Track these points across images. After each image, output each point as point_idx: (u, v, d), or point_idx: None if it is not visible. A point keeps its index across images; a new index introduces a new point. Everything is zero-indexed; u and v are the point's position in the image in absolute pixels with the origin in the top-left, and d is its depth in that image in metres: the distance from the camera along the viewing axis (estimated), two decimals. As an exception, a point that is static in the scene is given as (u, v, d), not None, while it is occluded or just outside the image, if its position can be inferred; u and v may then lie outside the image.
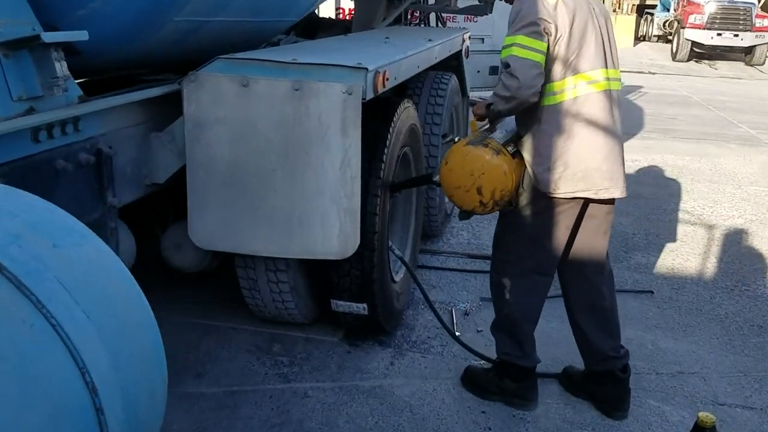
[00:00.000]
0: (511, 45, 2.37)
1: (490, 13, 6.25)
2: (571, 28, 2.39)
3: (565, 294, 2.78)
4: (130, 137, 2.48)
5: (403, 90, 4.33)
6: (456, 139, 2.68)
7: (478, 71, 9.65)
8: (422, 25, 6.45)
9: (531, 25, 2.35)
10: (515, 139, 2.60)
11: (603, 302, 2.68)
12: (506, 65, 2.38)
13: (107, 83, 2.89)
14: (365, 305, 2.90)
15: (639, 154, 7.25)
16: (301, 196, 2.48)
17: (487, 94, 10.06)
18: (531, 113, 2.48)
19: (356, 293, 2.88)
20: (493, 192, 2.46)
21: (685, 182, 6.19)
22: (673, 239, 4.75)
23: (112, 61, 2.62)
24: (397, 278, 3.26)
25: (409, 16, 6.54)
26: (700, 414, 2.16)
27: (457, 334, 3.24)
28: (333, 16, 10.30)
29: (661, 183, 6.17)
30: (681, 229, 4.94)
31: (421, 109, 4.21)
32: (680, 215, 5.27)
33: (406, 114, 3.16)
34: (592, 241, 2.65)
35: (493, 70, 9.55)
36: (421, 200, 3.71)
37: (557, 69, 2.41)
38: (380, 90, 2.55)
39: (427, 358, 3.04)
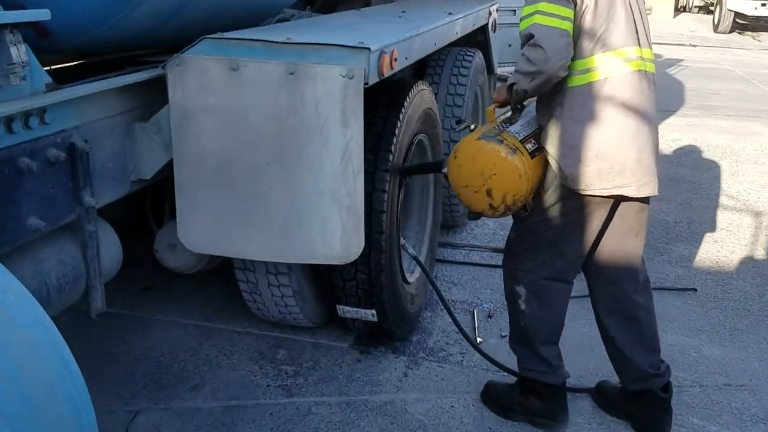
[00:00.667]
0: (533, 13, 2.04)
1: (520, -18, 5.85)
2: None
3: (593, 302, 2.46)
4: (110, 129, 2.22)
5: (423, 69, 4.03)
6: (472, 127, 2.36)
7: (510, 45, 9.21)
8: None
9: None
10: (537, 134, 2.25)
11: (638, 313, 2.35)
12: (528, 37, 2.06)
13: (105, 66, 2.67)
14: (374, 311, 2.64)
15: (680, 133, 6.81)
16: (298, 194, 2.21)
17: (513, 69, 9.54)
18: (553, 97, 2.15)
19: (364, 299, 2.61)
20: (505, 196, 2.14)
21: (729, 164, 5.76)
22: (718, 228, 4.37)
23: (90, 44, 2.37)
24: (411, 279, 2.98)
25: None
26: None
27: (479, 340, 2.97)
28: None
29: (704, 165, 5.75)
30: (726, 217, 4.56)
31: (441, 89, 3.90)
32: (725, 201, 4.87)
33: (420, 98, 2.85)
34: (624, 243, 2.31)
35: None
36: (439, 191, 3.41)
37: (585, 44, 2.08)
38: (386, 72, 2.26)
39: (444, 369, 2.77)
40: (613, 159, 2.10)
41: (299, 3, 4.06)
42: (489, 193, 2.16)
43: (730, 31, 16.40)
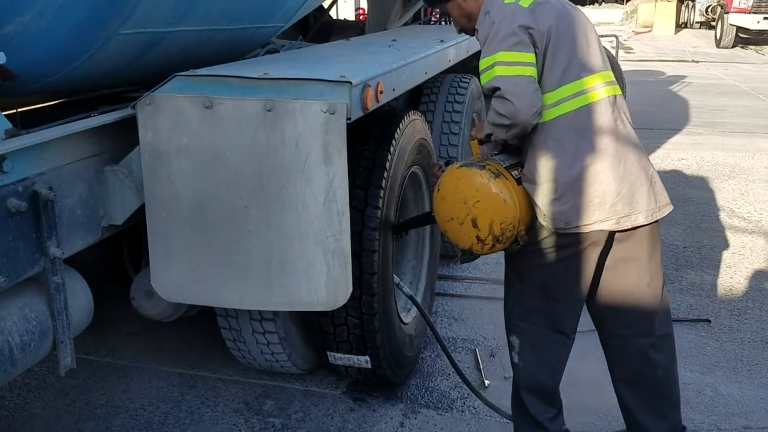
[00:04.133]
0: (493, 65, 1.92)
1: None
2: (556, 30, 1.97)
3: (609, 367, 2.27)
4: (78, 174, 2.09)
5: (418, 97, 3.91)
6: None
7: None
8: (442, 23, 5.98)
9: (510, 36, 1.92)
10: (522, 163, 2.10)
11: (654, 372, 2.13)
12: (493, 90, 1.93)
13: (84, 104, 2.55)
14: (368, 358, 2.48)
15: (686, 152, 6.65)
16: (280, 237, 2.06)
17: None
18: (523, 135, 2.01)
19: (356, 344, 2.45)
20: (491, 224, 1.96)
21: (738, 183, 5.59)
22: (730, 252, 4.19)
23: (60, 84, 2.24)
24: (407, 319, 2.82)
25: (429, 14, 6.09)
26: None
27: (486, 383, 2.79)
28: (353, 18, 9.89)
29: (712, 184, 5.58)
30: (737, 240, 4.38)
31: (437, 117, 3.78)
32: (735, 222, 4.70)
33: (412, 128, 2.72)
34: (634, 291, 2.09)
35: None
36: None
37: (549, 79, 1.97)
38: (371, 105, 2.12)
39: (444, 417, 2.60)
40: (588, 192, 1.94)
41: (291, 33, 3.95)
42: (474, 223, 1.99)
43: (733, 46, 16.33)
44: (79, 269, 2.20)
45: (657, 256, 2.13)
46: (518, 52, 1.91)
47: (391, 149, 2.49)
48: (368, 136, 2.50)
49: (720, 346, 3.09)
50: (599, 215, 1.95)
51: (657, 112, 8.93)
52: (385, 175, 2.44)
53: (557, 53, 1.97)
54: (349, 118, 1.96)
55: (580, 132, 1.97)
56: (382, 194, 2.42)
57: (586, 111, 1.97)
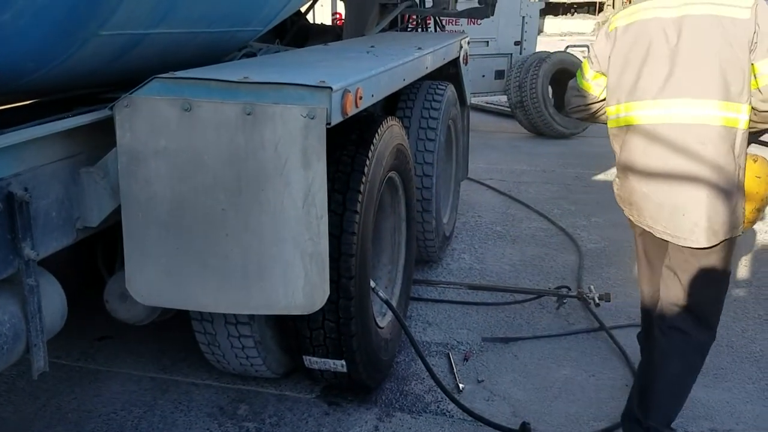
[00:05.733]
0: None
1: (492, 15, 5.82)
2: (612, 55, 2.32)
3: None
4: (53, 175, 2.06)
5: (395, 103, 3.94)
6: None
7: (483, 76, 9.25)
8: (419, 30, 6.03)
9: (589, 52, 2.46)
10: None
11: (654, 354, 2.32)
12: None
13: (62, 104, 2.52)
14: (343, 362, 2.48)
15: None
16: (257, 241, 2.06)
17: (493, 98, 9.68)
18: None
19: (332, 348, 2.46)
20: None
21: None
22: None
23: (39, 84, 2.22)
24: (383, 323, 2.84)
25: (406, 21, 6.13)
26: None
27: (460, 386, 2.82)
28: (330, 22, 9.90)
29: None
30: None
31: (413, 123, 3.81)
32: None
33: (390, 133, 2.74)
34: (666, 282, 2.32)
35: (499, 74, 9.13)
36: (412, 227, 3.28)
37: (609, 96, 2.36)
38: (351, 111, 2.14)
39: (418, 420, 2.62)
40: (622, 188, 2.35)
41: (268, 37, 3.95)
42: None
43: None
44: (52, 272, 2.17)
45: (694, 260, 2.26)
46: (586, 67, 2.45)
47: (370, 154, 2.51)
48: (347, 141, 2.51)
49: (687, 351, 3.16)
50: (629, 210, 2.38)
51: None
52: (364, 179, 2.46)
53: (612, 78, 2.34)
54: (329, 123, 1.98)
55: (625, 144, 2.31)
56: (360, 198, 2.43)
57: (635, 130, 2.25)
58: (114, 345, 3.06)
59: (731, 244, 2.20)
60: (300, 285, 2.10)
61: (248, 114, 1.98)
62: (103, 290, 2.50)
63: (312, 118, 1.96)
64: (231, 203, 2.05)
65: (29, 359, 1.99)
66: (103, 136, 2.14)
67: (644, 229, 2.31)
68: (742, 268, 4.14)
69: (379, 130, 2.61)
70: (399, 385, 2.85)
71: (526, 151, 7.49)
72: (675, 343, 2.29)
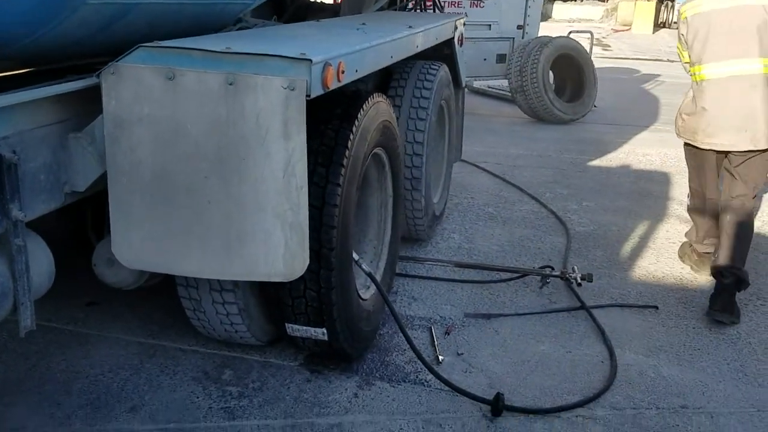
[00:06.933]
0: None
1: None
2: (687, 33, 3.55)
3: None
4: (42, 139, 2.12)
5: (388, 82, 3.97)
6: None
7: (485, 59, 9.22)
8: (418, 11, 6.03)
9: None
10: None
11: (723, 222, 3.47)
12: None
13: (53, 74, 2.57)
14: (324, 330, 2.55)
15: (651, 148, 6.82)
16: (238, 209, 2.12)
17: (495, 82, 9.64)
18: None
19: (313, 317, 2.53)
20: None
21: (699, 179, 5.74)
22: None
23: (27, 52, 2.27)
24: (366, 295, 2.90)
25: (405, 0, 6.12)
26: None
27: (440, 358, 2.89)
28: (330, 0, 9.85)
29: (673, 180, 5.74)
30: (693, 233, 4.52)
31: (405, 102, 3.84)
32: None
33: (376, 109, 2.78)
34: (732, 181, 3.53)
35: (500, 58, 9.09)
36: (399, 204, 3.34)
37: (691, 57, 3.54)
38: (332, 85, 2.18)
39: (397, 389, 2.69)
40: (689, 121, 3.58)
41: (266, 13, 3.98)
42: None
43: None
44: (43, 237, 2.24)
45: (744, 162, 3.47)
46: (679, 44, 3.69)
47: (354, 129, 2.56)
48: (331, 116, 2.56)
49: (666, 331, 3.22)
50: (690, 136, 3.67)
51: (627, 109, 9.11)
52: (347, 153, 2.51)
53: (692, 46, 3.53)
54: (309, 95, 2.03)
55: (700, 93, 3.52)
56: (343, 172, 2.48)
57: (706, 83, 3.47)
58: (103, 310, 3.14)
59: None
60: (280, 253, 2.16)
61: (230, 84, 2.03)
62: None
63: (292, 90, 2.01)
64: (213, 172, 2.10)
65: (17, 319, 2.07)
66: (92, 103, 2.19)
67: (705, 150, 3.53)
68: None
69: (364, 106, 2.65)
70: (381, 356, 2.92)
71: (524, 136, 7.51)
72: (737, 209, 3.43)
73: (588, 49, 9.35)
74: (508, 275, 3.71)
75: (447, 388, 2.65)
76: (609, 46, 17.14)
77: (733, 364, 2.97)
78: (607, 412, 2.58)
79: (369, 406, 2.57)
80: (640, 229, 4.56)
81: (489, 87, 10.23)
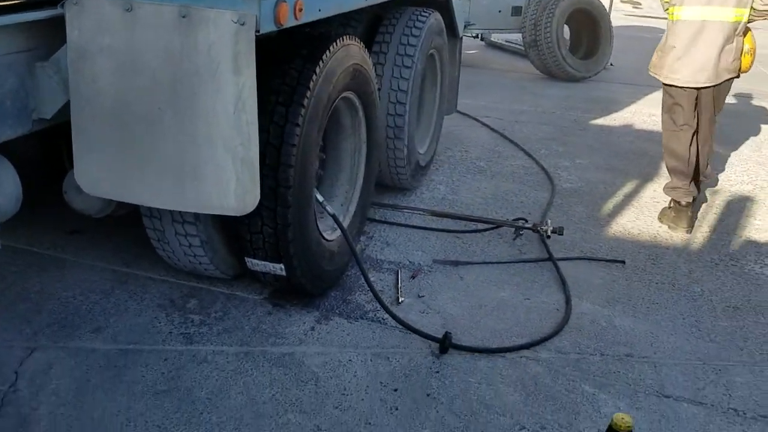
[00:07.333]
0: None
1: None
2: None
3: None
4: (9, 66, 2.21)
5: (377, 27, 3.97)
6: None
7: (500, 11, 9.01)
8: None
9: None
10: None
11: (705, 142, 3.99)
12: None
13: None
14: (282, 266, 2.65)
15: (659, 108, 6.69)
16: (191, 142, 2.20)
17: (509, 36, 9.48)
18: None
19: (271, 252, 2.62)
20: None
21: (699, 142, 5.67)
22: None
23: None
24: (331, 237, 2.99)
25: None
26: (616, 415, 1.89)
27: (400, 299, 3.00)
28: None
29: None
30: (680, 194, 4.51)
31: (391, 49, 3.85)
32: (684, 178, 4.81)
33: (346, 52, 2.82)
34: (704, 108, 3.91)
35: (516, 11, 8.89)
36: (373, 150, 3.38)
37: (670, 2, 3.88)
38: (286, 22, 2.22)
39: (353, 325, 2.80)
40: (661, 59, 3.90)
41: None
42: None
43: None
44: (24, 167, 2.35)
45: (707, 96, 3.88)
46: None
47: (317, 70, 2.60)
48: (295, 56, 2.60)
49: (628, 285, 3.28)
50: (659, 71, 3.99)
51: (644, 69, 8.90)
52: (308, 94, 2.56)
53: None
54: (258, 31, 2.08)
55: (672, 31, 3.86)
56: (302, 113, 2.54)
57: (679, 23, 3.80)
58: (83, 238, 3.28)
59: (731, 80, 3.84)
60: (232, 188, 2.25)
61: (183, 17, 2.08)
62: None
63: (242, 24, 2.06)
64: (168, 103, 2.18)
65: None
66: (58, 33, 2.27)
67: (671, 85, 3.85)
68: (711, 215, 4.19)
69: (331, 48, 2.69)
70: (343, 294, 3.02)
71: (532, 92, 7.44)
72: (707, 127, 3.93)
73: (608, 5, 9.12)
74: (483, 226, 3.76)
75: (401, 326, 2.75)
76: (639, 4, 16.62)
77: (688, 319, 3.02)
78: (551, 355, 2.67)
79: (323, 339, 2.69)
80: (627, 188, 4.56)
81: (507, 41, 10.07)
